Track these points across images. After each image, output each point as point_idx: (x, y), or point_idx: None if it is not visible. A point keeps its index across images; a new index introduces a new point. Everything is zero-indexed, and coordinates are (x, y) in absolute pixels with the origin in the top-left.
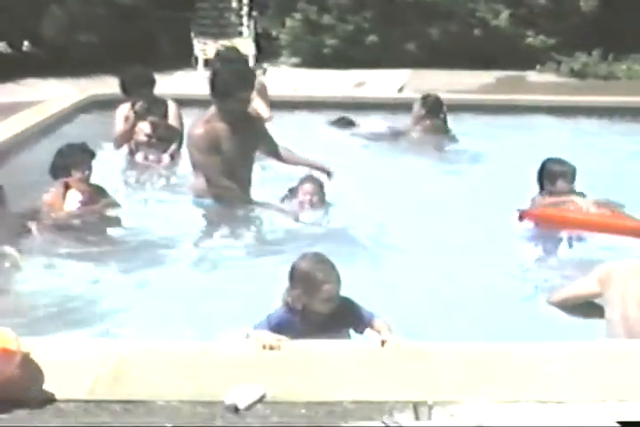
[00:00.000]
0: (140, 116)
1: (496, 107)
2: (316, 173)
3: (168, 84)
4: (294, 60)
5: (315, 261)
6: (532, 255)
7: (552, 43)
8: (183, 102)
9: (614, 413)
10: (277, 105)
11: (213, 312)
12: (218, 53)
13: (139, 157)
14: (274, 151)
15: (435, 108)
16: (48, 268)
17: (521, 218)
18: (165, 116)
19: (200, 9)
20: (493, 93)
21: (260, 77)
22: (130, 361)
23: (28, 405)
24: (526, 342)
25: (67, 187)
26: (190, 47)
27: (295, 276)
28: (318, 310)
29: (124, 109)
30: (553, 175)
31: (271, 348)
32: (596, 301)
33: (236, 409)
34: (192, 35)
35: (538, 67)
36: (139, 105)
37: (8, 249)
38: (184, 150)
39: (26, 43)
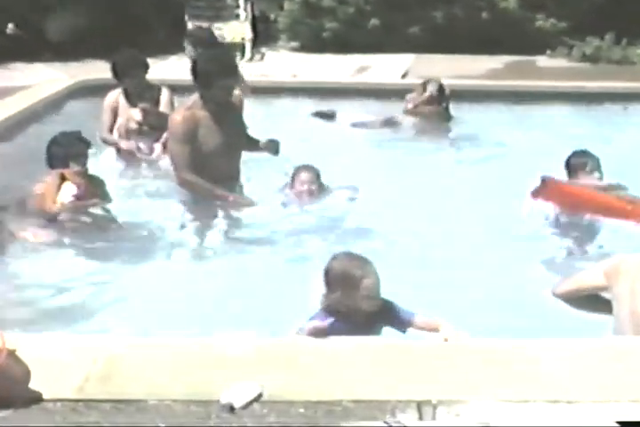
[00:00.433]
0: (131, 103)
1: (504, 93)
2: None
3: (162, 69)
4: (293, 44)
5: (348, 259)
6: (547, 247)
7: (563, 26)
8: (177, 88)
9: (619, 412)
10: (276, 91)
11: (212, 308)
12: (189, 34)
13: (130, 145)
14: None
15: (437, 95)
16: (36, 261)
17: (535, 195)
18: (157, 102)
19: None
20: (501, 79)
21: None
22: (121, 358)
23: (14, 404)
24: (535, 339)
25: (62, 178)
26: (185, 31)
27: (331, 278)
28: (362, 308)
29: (114, 96)
30: (573, 167)
31: (316, 334)
32: (604, 295)
33: (231, 408)
34: (186, 18)
35: (548, 51)
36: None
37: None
38: None
39: (10, 25)
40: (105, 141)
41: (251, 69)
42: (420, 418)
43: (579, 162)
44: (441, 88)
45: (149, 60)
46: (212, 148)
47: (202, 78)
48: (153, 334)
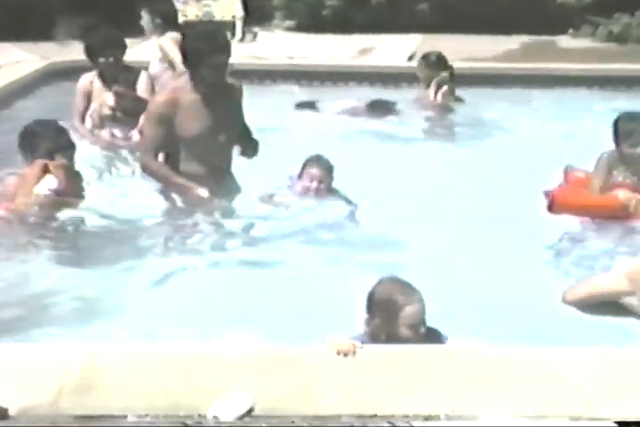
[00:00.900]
0: (106, 87)
1: (521, 77)
2: None
3: (143, 50)
4: (289, 23)
5: (392, 284)
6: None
7: (587, 2)
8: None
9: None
10: (270, 75)
11: (203, 310)
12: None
13: (104, 133)
14: (242, 133)
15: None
16: (8, 261)
17: (549, 210)
18: (134, 86)
19: None
20: (518, 62)
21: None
22: (97, 369)
23: None
24: (555, 347)
25: (45, 171)
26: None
27: (372, 303)
28: (402, 336)
29: (88, 79)
30: (620, 134)
31: (345, 354)
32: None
33: (220, 423)
34: None
35: (571, 30)
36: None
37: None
38: None
39: None
40: (75, 130)
41: (242, 51)
42: None
43: (625, 128)
44: (442, 61)
45: (130, 41)
46: (197, 135)
47: (190, 56)
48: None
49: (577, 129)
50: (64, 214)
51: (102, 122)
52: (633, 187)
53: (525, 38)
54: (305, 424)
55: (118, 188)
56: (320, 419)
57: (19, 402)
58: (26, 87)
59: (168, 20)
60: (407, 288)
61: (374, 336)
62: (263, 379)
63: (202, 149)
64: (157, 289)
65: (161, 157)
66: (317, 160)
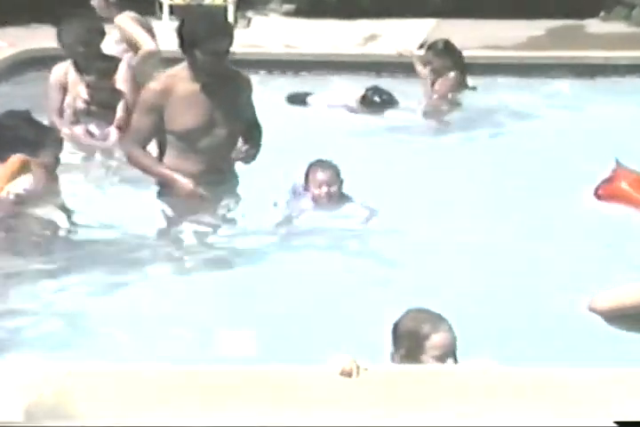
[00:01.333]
0: (82, 78)
1: (546, 67)
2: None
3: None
4: (287, 7)
5: (418, 314)
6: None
7: None
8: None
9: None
10: (266, 65)
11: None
12: None
13: (78, 130)
14: (248, 132)
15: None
16: None
17: (602, 193)
18: (111, 77)
19: None
20: (542, 50)
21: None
22: (72, 390)
23: None
24: (582, 367)
25: (23, 167)
26: None
27: (397, 335)
28: None
29: (62, 70)
30: None
31: (349, 374)
32: None
33: None
34: None
35: (602, 13)
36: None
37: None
38: None
39: None
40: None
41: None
42: None
43: None
44: (449, 48)
45: (108, 27)
46: (191, 128)
47: (187, 41)
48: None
49: (610, 123)
50: (34, 220)
51: (76, 117)
52: None
53: (551, 23)
54: None
55: (98, 193)
56: None
57: None
58: None
59: None
60: (434, 317)
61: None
62: (253, 400)
63: (196, 145)
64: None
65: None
66: (320, 164)
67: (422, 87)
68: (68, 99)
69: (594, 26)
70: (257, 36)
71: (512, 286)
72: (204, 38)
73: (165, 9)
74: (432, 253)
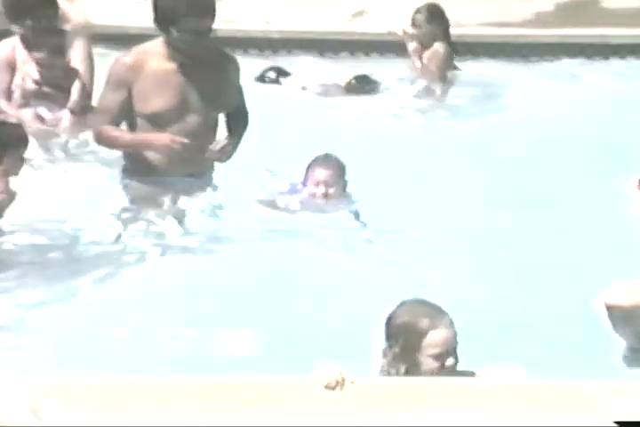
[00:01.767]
0: (31, 55)
1: (555, 46)
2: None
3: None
4: None
5: (415, 306)
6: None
7: None
8: (104, 38)
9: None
10: (243, 44)
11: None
12: None
13: (26, 114)
14: (234, 117)
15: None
16: None
17: None
18: (65, 54)
19: None
20: (551, 27)
21: None
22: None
23: None
24: (611, 381)
25: None
26: None
27: (391, 329)
28: (429, 370)
29: (9, 47)
30: None
31: (332, 387)
32: None
33: None
34: None
35: None
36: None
37: None
38: None
39: None
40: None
41: None
42: None
43: None
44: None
45: None
46: (160, 112)
47: (163, 16)
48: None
49: (628, 112)
50: None
51: (26, 99)
52: None
53: None
54: None
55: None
56: None
57: None
58: None
59: None
60: (433, 311)
61: (391, 369)
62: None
63: (165, 131)
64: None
65: None
66: (324, 160)
67: (413, 68)
68: (17, 79)
69: (608, 0)
70: (233, 11)
71: (520, 286)
72: (183, 16)
73: None
74: (430, 250)
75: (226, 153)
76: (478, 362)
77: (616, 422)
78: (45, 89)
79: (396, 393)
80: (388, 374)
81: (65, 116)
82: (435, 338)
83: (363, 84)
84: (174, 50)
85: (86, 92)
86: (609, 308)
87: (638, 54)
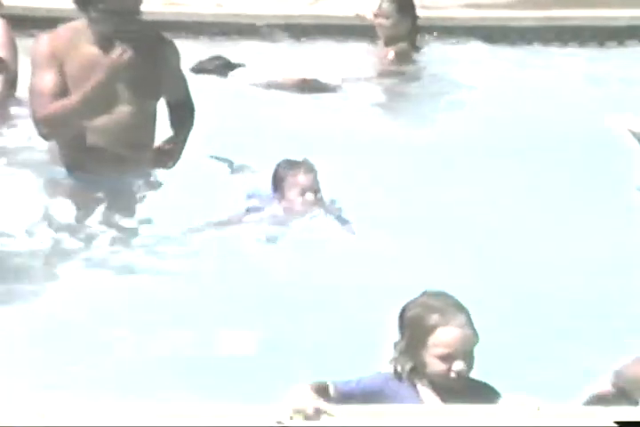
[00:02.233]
0: None
1: (543, 30)
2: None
3: None
4: None
5: (430, 298)
6: None
7: None
8: (26, 21)
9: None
10: (192, 28)
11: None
12: None
13: None
14: (177, 110)
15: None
16: None
17: None
18: None
19: None
20: (542, 8)
21: None
22: None
23: None
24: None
25: None
26: None
27: (402, 320)
28: (433, 373)
29: None
30: None
31: (307, 418)
32: None
33: None
34: None
35: None
36: None
37: None
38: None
39: None
40: None
41: None
42: None
43: None
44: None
45: None
46: (93, 102)
47: None
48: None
49: (623, 102)
50: None
51: None
52: None
53: None
54: None
55: None
56: None
57: None
58: None
59: None
60: (448, 306)
61: (397, 365)
62: None
63: (92, 123)
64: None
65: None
66: (300, 166)
67: (377, 52)
68: None
69: None
70: None
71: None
72: None
73: None
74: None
75: (171, 157)
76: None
77: (616, 423)
78: None
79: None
80: (394, 369)
81: None
82: (442, 337)
83: (318, 84)
84: (98, 32)
85: (10, 82)
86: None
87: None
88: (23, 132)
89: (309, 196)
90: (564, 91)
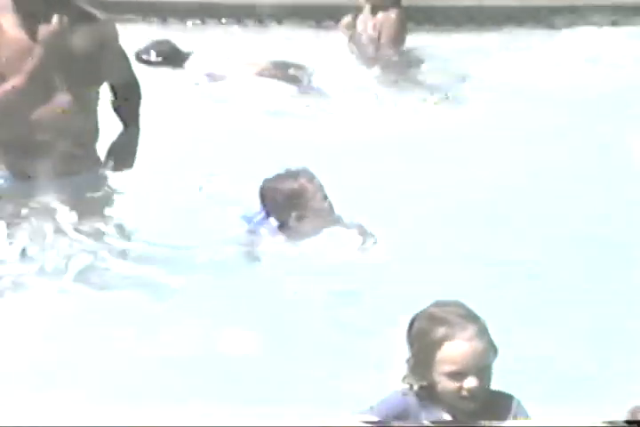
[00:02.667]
0: None
1: (539, 11)
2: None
3: None
4: None
5: (441, 308)
6: None
7: None
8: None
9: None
10: (126, 8)
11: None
12: None
13: None
14: (124, 93)
15: None
16: None
17: None
18: None
19: None
20: None
21: None
22: None
23: None
24: None
25: None
26: None
27: (409, 334)
28: (444, 392)
29: None
30: None
31: None
32: None
33: None
34: None
35: None
36: None
37: None
38: None
39: None
40: None
41: None
42: None
43: None
44: None
45: None
46: (21, 90)
47: None
48: None
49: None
50: None
51: None
52: None
53: None
54: None
55: None
56: None
57: None
58: None
59: None
60: (457, 317)
61: (407, 383)
62: None
63: (28, 116)
64: None
65: None
66: (304, 173)
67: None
68: None
69: None
70: None
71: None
72: None
73: None
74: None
75: (128, 156)
76: None
77: (626, 422)
78: None
79: None
80: (407, 391)
81: None
82: (449, 352)
83: (282, 70)
84: (25, 13)
85: None
86: None
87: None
88: None
89: (324, 204)
90: (561, 71)
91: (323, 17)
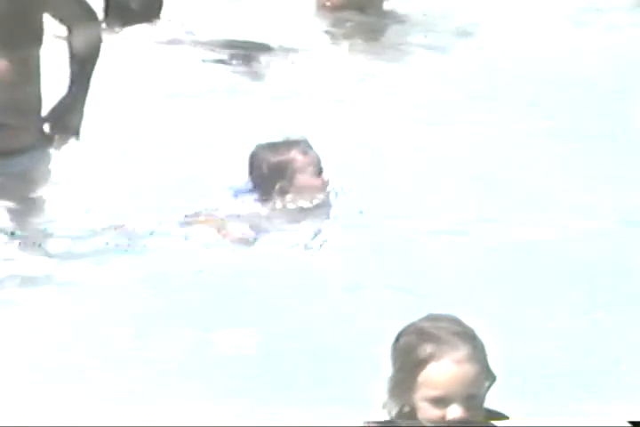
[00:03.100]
0: None
1: None
2: None
3: None
4: None
5: (430, 323)
6: None
7: None
8: None
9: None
10: None
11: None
12: None
13: None
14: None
15: None
16: None
17: None
18: None
19: None
20: None
21: None
22: None
23: None
24: None
25: None
26: None
27: (392, 349)
28: (426, 419)
29: None
30: None
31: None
32: None
33: None
34: None
35: None
36: None
37: None
38: None
39: None
40: None
41: None
42: None
43: None
44: None
45: None
46: None
47: None
48: None
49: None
50: None
51: None
52: None
53: None
54: None
55: None
56: None
57: None
58: None
59: None
60: (449, 334)
61: (385, 406)
62: None
63: None
64: None
65: None
66: (297, 143)
67: None
68: None
69: None
70: None
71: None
72: None
73: None
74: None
75: (70, 124)
76: None
77: (630, 422)
78: None
79: None
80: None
81: None
82: (433, 374)
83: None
84: None
85: None
86: None
87: None
88: None
89: (325, 176)
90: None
91: None
